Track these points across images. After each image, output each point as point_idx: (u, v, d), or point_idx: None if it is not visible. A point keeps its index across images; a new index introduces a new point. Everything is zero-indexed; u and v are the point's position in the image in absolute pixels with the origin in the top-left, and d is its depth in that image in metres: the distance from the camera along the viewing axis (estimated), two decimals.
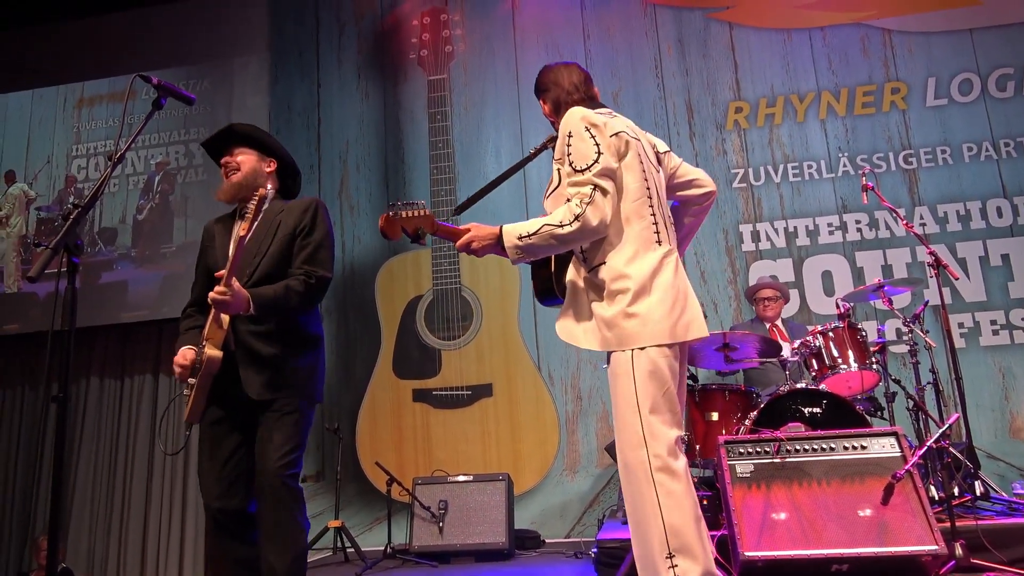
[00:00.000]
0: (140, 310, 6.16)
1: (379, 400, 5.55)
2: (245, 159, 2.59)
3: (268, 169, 2.63)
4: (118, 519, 5.86)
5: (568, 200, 2.06)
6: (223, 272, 2.26)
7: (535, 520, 4.97)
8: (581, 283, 2.16)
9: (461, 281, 5.62)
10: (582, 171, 2.07)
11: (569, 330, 2.18)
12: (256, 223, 2.28)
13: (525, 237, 2.06)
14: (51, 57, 6.79)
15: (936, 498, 3.34)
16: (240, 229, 2.25)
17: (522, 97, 5.89)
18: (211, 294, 2.27)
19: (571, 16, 5.99)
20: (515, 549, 4.26)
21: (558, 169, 2.17)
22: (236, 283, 2.29)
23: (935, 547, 2.70)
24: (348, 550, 4.48)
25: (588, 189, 2.04)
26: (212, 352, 2.35)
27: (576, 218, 2.01)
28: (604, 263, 2.10)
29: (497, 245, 2.11)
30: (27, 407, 6.34)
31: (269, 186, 2.40)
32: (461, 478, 4.37)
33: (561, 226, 2.02)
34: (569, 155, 2.11)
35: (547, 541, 4.67)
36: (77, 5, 6.73)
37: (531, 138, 5.80)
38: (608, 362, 2.13)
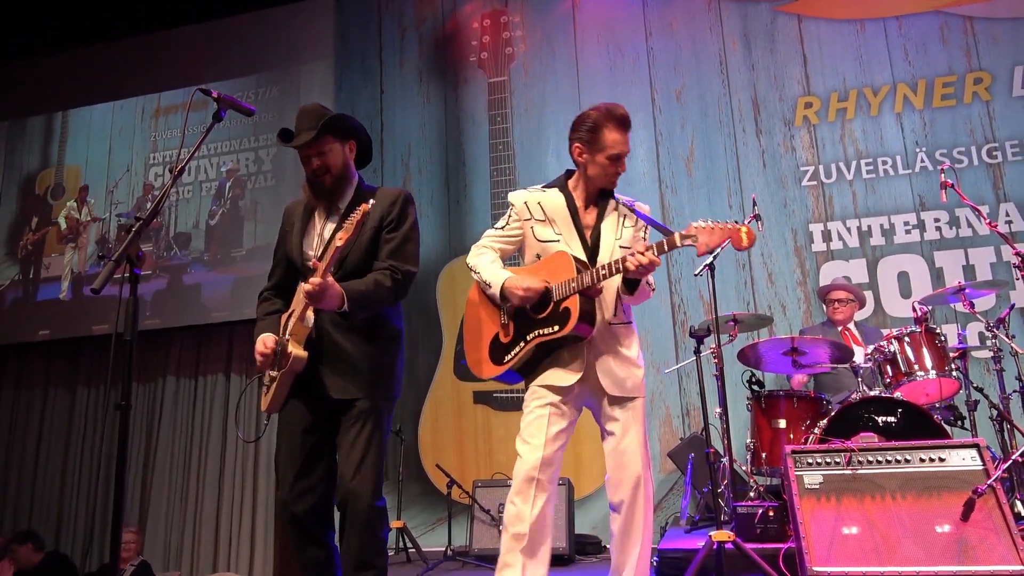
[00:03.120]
0: (214, 312, 6.39)
1: (440, 402, 5.59)
2: (331, 152, 2.45)
3: (352, 153, 2.56)
4: (192, 514, 6.09)
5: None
6: (318, 263, 2.25)
7: (596, 526, 4.92)
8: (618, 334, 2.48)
9: None
10: None
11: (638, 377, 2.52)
12: (345, 211, 2.28)
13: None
14: (130, 69, 7.10)
15: (1023, 515, 3.14)
16: (338, 238, 2.20)
17: (582, 97, 5.84)
18: (305, 287, 2.22)
19: (633, 12, 5.90)
20: (575, 554, 4.22)
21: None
22: (330, 277, 2.25)
23: (1020, 567, 2.54)
24: (410, 550, 4.53)
25: None
26: (298, 352, 2.31)
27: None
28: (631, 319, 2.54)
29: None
30: (108, 406, 6.65)
31: (372, 201, 2.29)
32: None
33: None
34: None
35: (608, 547, 4.61)
36: (155, 19, 7.03)
37: None
38: (629, 403, 2.47)
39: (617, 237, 2.49)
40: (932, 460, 2.85)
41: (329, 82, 6.48)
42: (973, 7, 5.23)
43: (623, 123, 2.47)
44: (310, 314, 2.35)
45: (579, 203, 2.53)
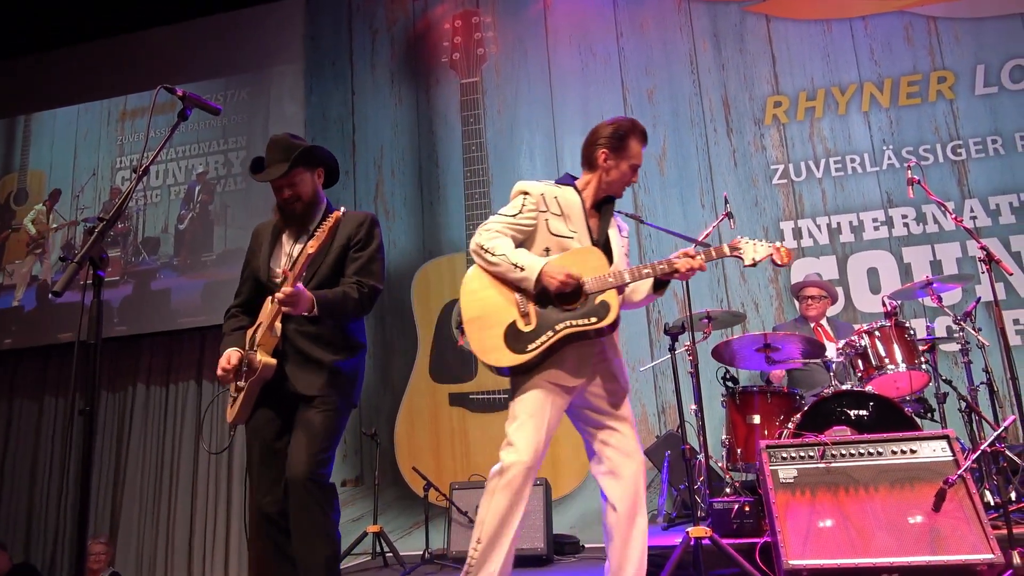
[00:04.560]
0: (183, 317, 6.29)
1: (416, 404, 5.56)
2: (301, 183, 2.57)
3: (320, 180, 2.66)
4: (165, 523, 5.99)
5: None
6: (288, 271, 2.35)
7: (574, 525, 4.91)
8: None
9: None
10: None
11: None
12: (319, 234, 2.38)
13: None
14: (95, 72, 6.98)
15: (992, 504, 3.20)
16: (310, 246, 2.33)
17: (555, 98, 5.85)
18: (278, 294, 2.33)
19: (604, 14, 5.92)
20: (554, 555, 4.20)
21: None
22: (300, 284, 2.36)
23: (990, 555, 2.58)
24: (387, 555, 4.49)
25: None
26: (267, 359, 2.43)
27: None
28: None
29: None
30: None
31: (343, 209, 2.42)
32: None
33: None
34: None
35: (586, 546, 4.60)
36: (120, 21, 6.91)
37: (564, 138, 5.75)
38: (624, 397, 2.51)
39: (620, 244, 2.60)
40: (904, 452, 2.89)
41: (300, 85, 6.42)
42: (935, 7, 5.33)
43: (644, 138, 2.60)
44: (278, 324, 2.47)
45: (587, 205, 2.58)
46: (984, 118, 5.10)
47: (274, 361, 2.43)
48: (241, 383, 2.46)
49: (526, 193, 2.53)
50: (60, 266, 6.64)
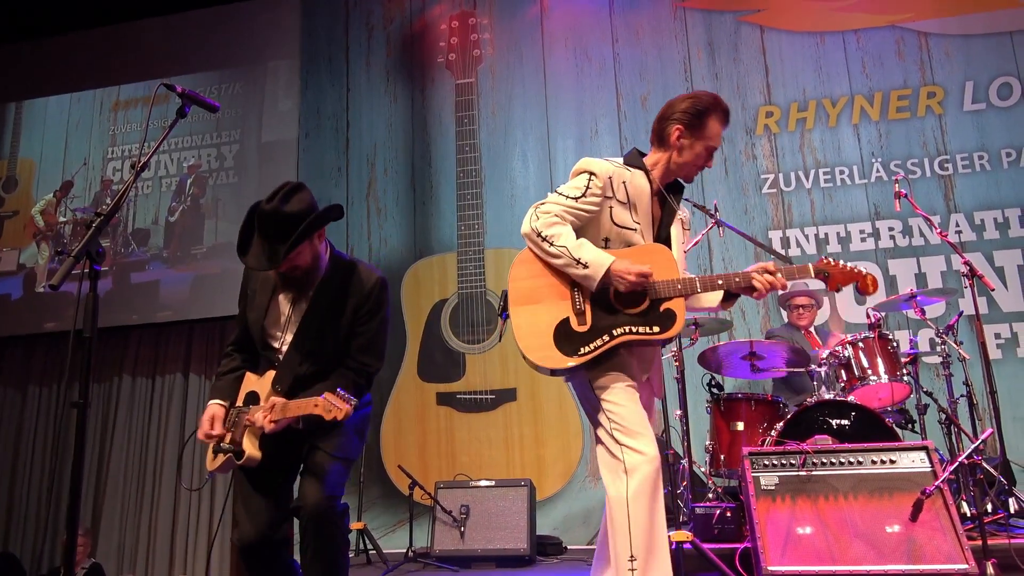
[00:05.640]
0: (171, 310, 6.27)
1: (403, 403, 5.57)
2: (300, 255, 2.29)
3: (320, 240, 2.39)
4: (148, 515, 5.97)
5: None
6: (270, 414, 2.21)
7: (557, 527, 4.95)
8: None
9: (486, 285, 5.62)
10: None
11: None
12: (315, 295, 2.30)
13: None
14: (89, 61, 6.94)
15: (968, 515, 3.25)
16: (296, 407, 2.20)
17: (549, 101, 5.88)
18: (262, 422, 2.21)
19: (600, 19, 5.96)
20: (536, 555, 4.23)
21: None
22: (285, 413, 2.22)
23: (965, 566, 2.63)
24: (370, 552, 4.50)
25: None
26: (253, 453, 2.28)
27: None
28: None
29: None
30: (62, 404, 6.49)
31: (352, 406, 2.16)
32: (483, 483, 4.36)
33: None
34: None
35: (569, 548, 4.64)
36: (114, 10, 6.87)
37: (558, 142, 5.78)
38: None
39: (679, 239, 2.35)
40: (883, 462, 2.94)
41: (295, 80, 6.41)
42: (927, 23, 5.40)
43: (727, 118, 2.31)
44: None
45: (653, 189, 2.31)
46: (971, 134, 5.18)
47: (259, 455, 2.28)
48: (227, 441, 2.33)
49: (592, 174, 2.22)
50: (53, 257, 6.60)
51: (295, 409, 2.19)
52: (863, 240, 5.17)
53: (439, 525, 4.27)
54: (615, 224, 2.24)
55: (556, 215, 2.19)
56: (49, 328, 6.44)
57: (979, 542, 2.78)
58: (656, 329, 2.16)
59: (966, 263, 3.69)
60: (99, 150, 6.77)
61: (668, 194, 2.33)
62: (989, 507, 3.29)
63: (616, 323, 2.17)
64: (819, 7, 5.59)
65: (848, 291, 5.10)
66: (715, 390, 4.06)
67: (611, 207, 2.24)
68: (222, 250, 6.16)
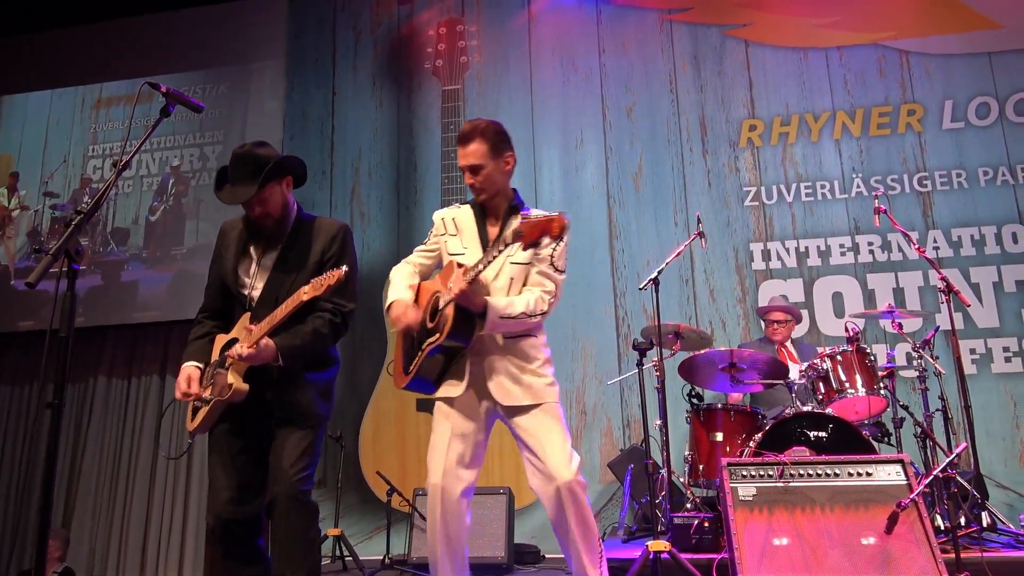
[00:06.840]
0: (150, 311, 6.20)
1: (383, 409, 5.54)
2: (270, 198, 2.45)
3: (288, 189, 2.54)
4: (120, 518, 5.88)
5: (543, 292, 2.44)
6: (251, 326, 2.31)
7: (535, 535, 4.93)
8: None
9: None
10: (562, 272, 2.50)
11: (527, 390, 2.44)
12: (284, 243, 2.39)
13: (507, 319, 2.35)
14: (72, 58, 6.86)
15: (942, 528, 3.29)
16: (275, 315, 2.32)
17: (535, 110, 5.89)
18: (238, 350, 2.29)
19: (587, 30, 6.00)
20: (514, 564, 4.21)
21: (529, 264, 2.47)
22: (265, 339, 2.31)
23: None
24: (347, 559, 4.46)
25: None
26: (240, 385, 2.35)
27: (550, 307, 2.46)
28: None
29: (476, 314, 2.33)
30: (36, 405, 6.39)
31: (344, 268, 2.29)
32: None
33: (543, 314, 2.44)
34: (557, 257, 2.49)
35: (547, 556, 4.62)
36: (99, 7, 6.81)
37: (543, 151, 5.80)
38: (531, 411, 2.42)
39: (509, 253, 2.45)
40: (860, 474, 2.96)
41: (280, 82, 6.38)
42: (909, 42, 5.49)
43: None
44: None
45: (489, 215, 2.60)
46: (950, 152, 5.26)
47: (246, 387, 2.35)
48: (206, 395, 2.38)
49: (433, 222, 2.67)
50: (25, 254, 6.50)
51: (281, 312, 2.29)
52: (843, 254, 5.23)
53: (417, 532, 4.24)
54: (450, 254, 2.57)
55: (407, 260, 2.67)
56: (25, 327, 6.34)
57: (952, 555, 2.81)
58: (437, 335, 2.39)
59: (943, 279, 3.74)
60: (80, 148, 6.69)
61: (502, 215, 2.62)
62: (963, 521, 3.33)
63: (424, 337, 2.47)
64: (804, 23, 5.66)
65: (827, 305, 5.16)
66: (695, 401, 4.08)
67: (445, 241, 2.61)
68: (203, 251, 6.10)
